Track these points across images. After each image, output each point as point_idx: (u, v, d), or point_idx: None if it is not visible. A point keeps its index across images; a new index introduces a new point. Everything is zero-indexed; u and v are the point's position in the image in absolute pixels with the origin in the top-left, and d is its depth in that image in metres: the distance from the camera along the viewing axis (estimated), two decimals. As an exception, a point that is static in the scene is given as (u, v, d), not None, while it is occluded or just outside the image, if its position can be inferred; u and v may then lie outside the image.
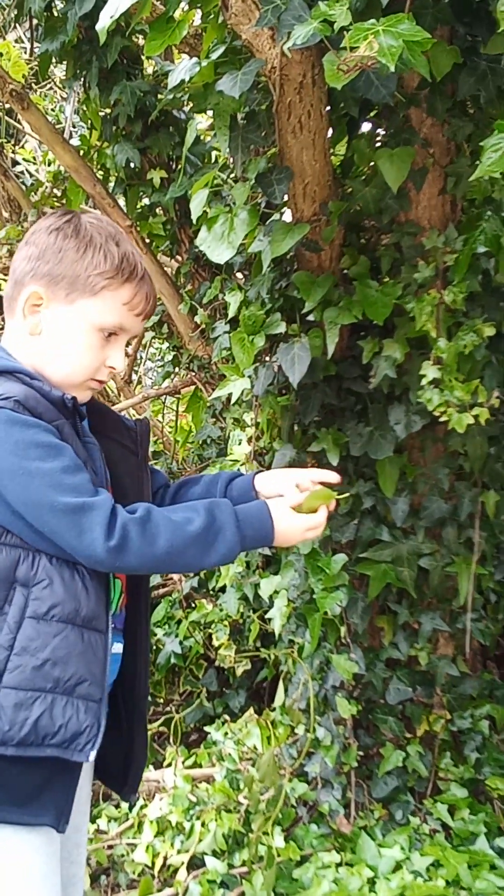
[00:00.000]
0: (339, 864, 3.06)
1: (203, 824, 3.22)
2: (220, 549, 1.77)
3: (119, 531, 1.67)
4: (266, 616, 3.49)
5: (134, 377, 6.43)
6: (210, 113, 3.22)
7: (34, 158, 5.72)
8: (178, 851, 3.19)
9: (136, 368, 6.58)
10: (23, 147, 6.03)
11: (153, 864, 3.15)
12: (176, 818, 3.29)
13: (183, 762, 3.67)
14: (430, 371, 2.77)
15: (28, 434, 1.67)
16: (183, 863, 3.13)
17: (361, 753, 3.32)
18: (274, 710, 3.55)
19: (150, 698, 3.58)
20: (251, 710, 3.77)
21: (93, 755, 1.69)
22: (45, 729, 1.66)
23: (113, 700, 1.94)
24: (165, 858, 3.19)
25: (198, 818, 3.28)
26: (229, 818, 3.22)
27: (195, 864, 3.16)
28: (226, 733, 3.68)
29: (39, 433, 1.68)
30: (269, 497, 1.96)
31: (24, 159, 5.93)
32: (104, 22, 2.40)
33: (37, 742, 1.66)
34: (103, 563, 1.69)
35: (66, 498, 1.65)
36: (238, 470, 3.47)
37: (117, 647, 1.93)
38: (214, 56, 2.66)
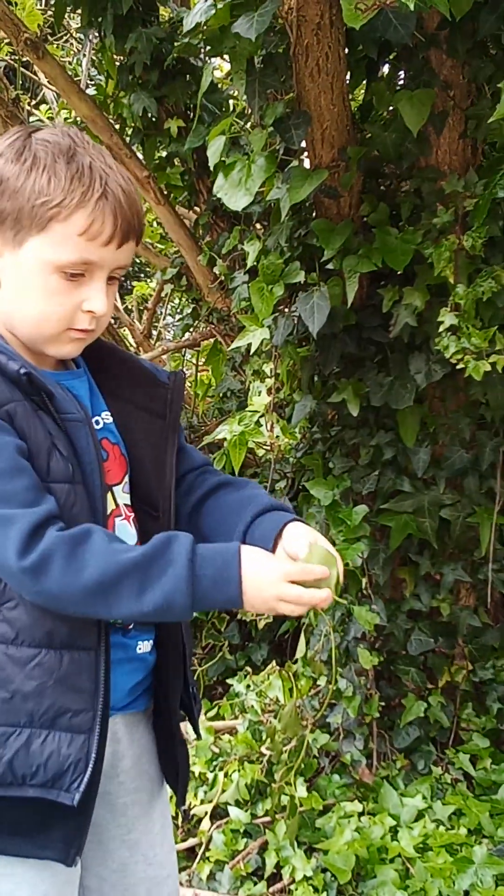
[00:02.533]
0: (361, 814, 3.08)
1: (226, 775, 3.23)
2: (164, 586, 1.40)
3: (39, 551, 1.39)
4: (287, 568, 3.48)
5: (154, 332, 6.41)
6: (227, 59, 3.17)
7: (51, 118, 5.66)
8: (202, 802, 3.21)
9: (155, 323, 6.56)
10: (38, 107, 5.99)
11: (176, 814, 3.18)
12: (199, 769, 3.31)
13: (206, 714, 3.69)
14: (447, 318, 2.73)
15: None
16: (206, 813, 3.15)
17: (383, 704, 3.32)
18: (296, 662, 3.56)
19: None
20: (273, 663, 3.78)
21: (78, 796, 1.48)
22: (22, 769, 1.47)
23: (163, 699, 1.77)
24: (189, 808, 3.21)
25: (221, 769, 3.29)
26: (252, 769, 3.24)
27: (218, 814, 3.18)
28: (248, 685, 3.69)
29: None
30: (288, 552, 1.55)
31: (47, 117, 5.89)
32: (117, -35, 2.37)
33: (16, 783, 1.48)
34: (21, 586, 1.42)
35: None
36: (280, 499, 3.30)
37: (144, 646, 1.68)
38: (230, -2, 2.61)
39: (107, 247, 1.52)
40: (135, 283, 6.48)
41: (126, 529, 1.66)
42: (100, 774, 1.55)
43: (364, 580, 3.23)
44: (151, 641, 1.70)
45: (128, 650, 1.64)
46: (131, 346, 5.49)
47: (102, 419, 1.68)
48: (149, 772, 1.83)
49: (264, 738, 3.33)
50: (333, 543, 3.08)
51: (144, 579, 1.41)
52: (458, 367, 2.78)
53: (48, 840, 1.54)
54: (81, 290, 1.54)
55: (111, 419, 1.69)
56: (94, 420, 1.63)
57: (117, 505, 1.65)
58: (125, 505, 1.68)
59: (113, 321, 5.24)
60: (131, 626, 1.65)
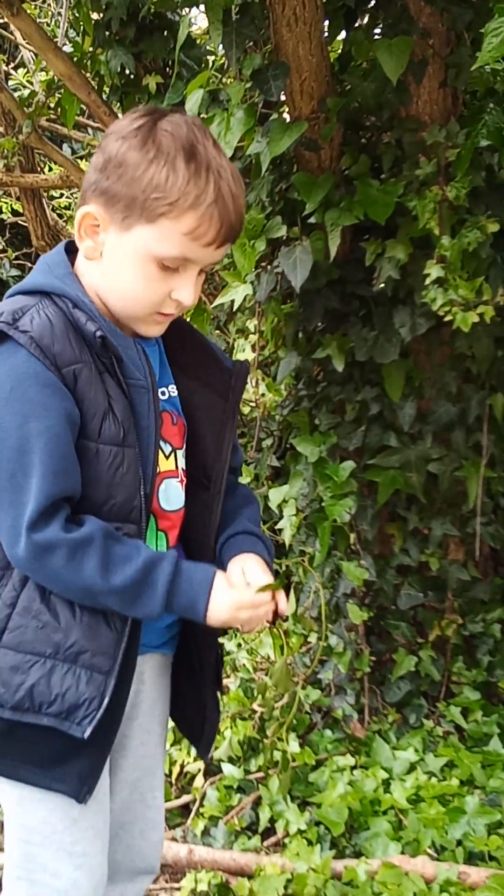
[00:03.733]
0: (353, 768, 3.09)
1: (219, 732, 3.24)
2: (145, 608, 1.57)
3: (47, 536, 1.51)
4: (276, 527, 3.48)
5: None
6: (203, 11, 3.12)
7: (30, 81, 5.58)
8: (195, 759, 3.23)
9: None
10: (16, 69, 5.91)
11: (171, 771, 3.19)
12: (192, 727, 3.33)
13: (197, 673, 3.70)
14: (433, 270, 2.71)
15: (24, 386, 1.51)
16: (200, 770, 3.17)
17: (374, 659, 3.33)
18: (286, 619, 3.56)
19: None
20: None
21: (89, 731, 1.57)
22: (40, 696, 1.57)
23: (188, 649, 1.88)
24: (182, 766, 3.22)
25: (213, 726, 3.30)
26: (244, 725, 3.25)
27: (212, 770, 3.20)
28: (239, 644, 3.70)
29: (35, 387, 1.51)
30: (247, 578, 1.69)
31: (26, 80, 5.82)
32: None
33: (33, 709, 1.57)
34: (15, 548, 1.53)
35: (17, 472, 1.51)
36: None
37: None
38: None
39: (208, 248, 1.59)
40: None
41: (177, 490, 1.77)
42: (120, 716, 1.68)
43: (352, 536, 3.23)
44: None
45: None
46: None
47: (168, 391, 1.77)
48: (160, 717, 1.95)
49: (256, 695, 3.34)
50: (321, 500, 3.09)
51: (128, 601, 1.56)
52: (445, 319, 2.76)
53: (63, 774, 1.64)
54: (173, 280, 1.60)
55: (176, 393, 1.79)
56: (159, 391, 1.72)
57: (177, 467, 1.76)
58: (182, 469, 1.78)
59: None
60: None
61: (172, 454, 1.74)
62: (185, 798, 3.12)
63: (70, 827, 1.68)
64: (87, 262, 1.64)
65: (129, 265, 1.59)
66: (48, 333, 1.52)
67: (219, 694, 1.95)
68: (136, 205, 1.54)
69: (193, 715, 1.93)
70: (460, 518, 3.29)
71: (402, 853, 2.73)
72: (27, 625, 1.58)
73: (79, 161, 5.64)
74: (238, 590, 1.64)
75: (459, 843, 2.77)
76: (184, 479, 1.78)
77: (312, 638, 3.43)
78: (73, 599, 1.58)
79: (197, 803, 3.07)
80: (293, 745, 3.12)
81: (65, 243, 1.71)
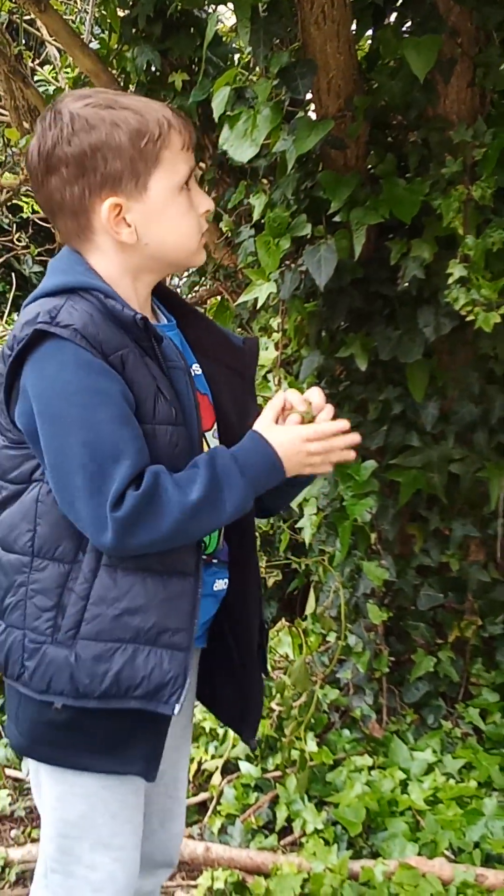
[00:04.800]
0: (371, 768, 3.09)
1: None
2: (234, 500, 1.59)
3: (128, 509, 1.51)
4: (296, 526, 3.48)
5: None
6: (231, 8, 3.12)
7: (56, 77, 5.60)
8: (212, 757, 3.23)
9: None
10: (42, 65, 5.92)
11: (188, 769, 3.19)
12: (209, 725, 3.33)
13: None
14: (456, 269, 2.69)
15: (80, 377, 1.53)
16: (217, 767, 3.17)
17: (393, 659, 3.32)
18: (305, 618, 3.57)
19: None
20: (283, 620, 3.78)
21: (178, 708, 1.61)
22: (127, 681, 1.60)
23: (223, 639, 1.89)
24: (200, 764, 3.23)
25: (231, 724, 3.31)
26: (262, 724, 3.24)
27: (229, 769, 3.20)
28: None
29: (91, 375, 1.53)
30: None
31: (50, 76, 5.84)
32: None
33: (119, 694, 1.61)
34: (100, 533, 1.53)
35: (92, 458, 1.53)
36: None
37: (220, 584, 1.83)
38: None
39: (190, 152, 1.68)
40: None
41: None
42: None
43: (373, 536, 3.22)
44: (226, 581, 1.84)
45: (206, 587, 1.73)
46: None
47: (193, 370, 1.79)
48: (188, 709, 2.01)
49: (274, 693, 3.33)
50: (342, 500, 3.08)
51: (217, 503, 1.57)
52: (467, 319, 2.75)
53: (133, 756, 1.69)
54: (193, 199, 1.69)
55: (200, 371, 1.82)
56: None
57: (209, 448, 1.76)
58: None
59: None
60: (214, 561, 1.79)
61: (203, 436, 1.76)
62: (203, 796, 3.13)
63: (109, 822, 1.71)
64: (116, 256, 1.66)
65: (168, 212, 1.65)
66: (90, 323, 1.54)
67: (263, 676, 1.98)
68: (137, 161, 1.60)
69: (235, 700, 1.95)
70: (481, 519, 3.28)
71: (420, 854, 2.73)
72: (104, 613, 1.60)
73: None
74: (290, 426, 1.67)
75: (477, 845, 2.77)
76: None
77: (331, 637, 3.43)
78: (174, 546, 1.60)
79: (214, 801, 3.07)
80: (311, 745, 3.12)
81: (67, 248, 1.72)
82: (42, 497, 1.62)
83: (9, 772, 3.43)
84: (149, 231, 1.65)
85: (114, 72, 4.05)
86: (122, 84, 3.98)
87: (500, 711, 3.27)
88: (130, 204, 1.62)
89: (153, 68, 3.82)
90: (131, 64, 3.88)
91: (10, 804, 3.26)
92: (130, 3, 3.64)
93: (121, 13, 3.89)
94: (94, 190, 1.61)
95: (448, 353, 3.16)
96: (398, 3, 2.86)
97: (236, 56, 3.99)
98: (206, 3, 3.63)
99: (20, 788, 3.36)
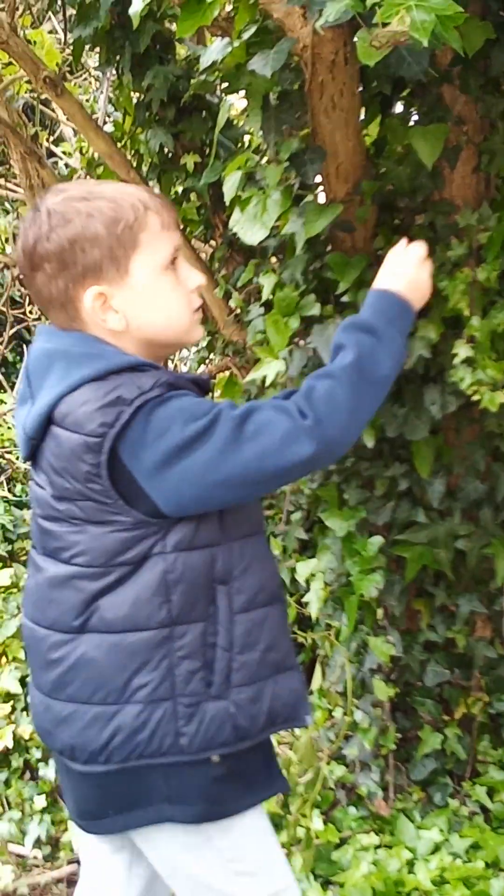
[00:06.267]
0: (377, 846, 3.07)
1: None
2: (392, 353, 1.76)
3: (310, 409, 1.63)
4: (303, 600, 3.49)
5: (170, 364, 6.44)
6: (243, 95, 3.21)
7: (70, 153, 5.72)
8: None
9: (171, 356, 6.59)
10: (56, 143, 6.05)
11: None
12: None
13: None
14: (462, 350, 2.75)
15: (191, 405, 1.63)
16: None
17: (399, 736, 3.31)
18: (311, 693, 3.55)
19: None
20: (289, 694, 3.76)
21: (310, 719, 1.79)
22: (275, 711, 1.72)
23: None
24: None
25: (236, 801, 3.28)
26: (267, 801, 3.22)
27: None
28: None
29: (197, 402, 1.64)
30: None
31: (63, 152, 5.97)
32: (136, 7, 2.42)
33: (269, 725, 1.72)
34: (311, 449, 1.62)
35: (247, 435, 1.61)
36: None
37: None
38: (246, 36, 2.64)
39: (173, 231, 1.74)
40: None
41: None
42: None
43: (379, 611, 3.23)
44: None
45: None
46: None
47: None
48: None
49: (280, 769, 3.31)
50: (349, 575, 3.10)
51: (372, 361, 1.73)
52: (472, 398, 2.80)
53: (277, 774, 1.82)
54: (180, 276, 1.75)
55: None
56: None
57: None
58: None
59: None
60: None
61: None
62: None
63: (273, 844, 1.89)
64: (114, 339, 1.71)
65: (154, 293, 1.70)
66: (173, 379, 1.64)
67: None
68: (115, 248, 1.65)
69: None
70: (488, 595, 3.29)
71: (427, 936, 2.70)
72: (250, 658, 1.70)
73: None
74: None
75: (485, 927, 2.74)
76: None
77: (337, 713, 3.41)
78: (368, 420, 1.74)
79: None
80: (317, 822, 3.10)
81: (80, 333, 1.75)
82: (170, 567, 1.65)
83: (11, 847, 3.40)
84: (137, 315, 1.70)
85: (127, 153, 4.14)
86: (134, 165, 4.07)
87: (507, 790, 3.26)
88: (114, 290, 1.67)
89: (166, 150, 3.91)
90: (144, 146, 3.98)
91: (13, 880, 3.24)
92: (145, 88, 3.73)
93: (135, 96, 3.99)
94: (77, 281, 1.66)
95: (454, 430, 3.19)
96: (405, 93, 2.95)
97: (247, 138, 4.09)
98: (219, 90, 3.73)
99: (23, 864, 3.34)
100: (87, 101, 5.83)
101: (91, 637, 1.68)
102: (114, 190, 1.69)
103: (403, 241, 2.01)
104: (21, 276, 1.77)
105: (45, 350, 1.71)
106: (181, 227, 1.71)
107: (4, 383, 6.55)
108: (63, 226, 1.64)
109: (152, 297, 1.70)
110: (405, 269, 1.92)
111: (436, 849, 3.04)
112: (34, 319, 6.41)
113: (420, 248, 1.96)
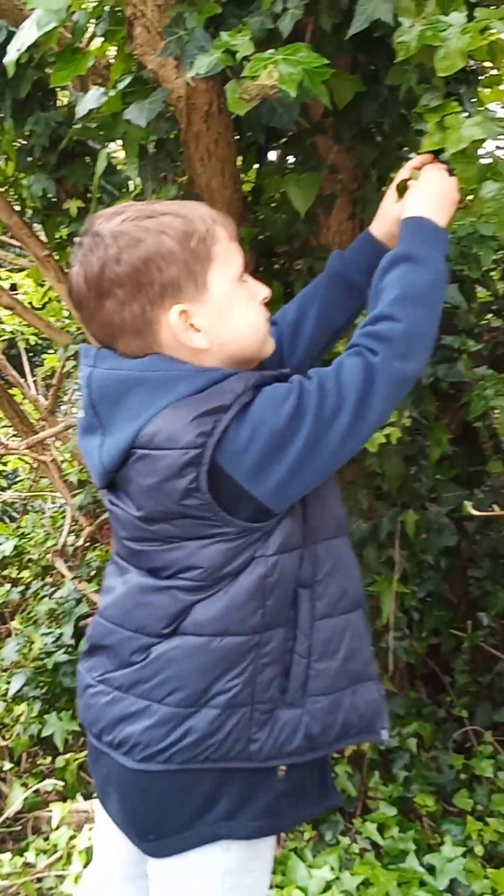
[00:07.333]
0: (269, 887, 3.05)
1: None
2: (436, 266, 1.72)
3: (371, 348, 1.60)
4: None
5: (61, 406, 6.41)
6: (120, 144, 3.24)
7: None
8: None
9: (63, 397, 6.56)
10: None
11: None
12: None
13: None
14: (343, 392, 2.80)
15: (272, 391, 1.57)
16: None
17: (290, 775, 3.31)
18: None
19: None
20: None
21: (386, 733, 1.71)
22: (350, 722, 1.66)
23: None
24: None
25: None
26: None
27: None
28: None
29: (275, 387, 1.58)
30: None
31: None
32: (11, 55, 2.43)
33: (342, 737, 1.66)
34: (397, 382, 1.62)
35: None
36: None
37: None
38: (121, 86, 2.67)
39: (237, 242, 1.69)
40: (44, 356, 6.48)
41: None
42: None
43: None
44: None
45: None
46: (35, 421, 5.46)
47: None
48: None
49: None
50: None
51: (416, 268, 1.70)
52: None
53: (329, 788, 1.76)
54: (250, 290, 1.70)
55: None
56: None
57: None
58: None
59: (22, 396, 5.25)
60: None
61: None
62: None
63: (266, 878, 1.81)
64: (195, 360, 1.62)
65: (232, 304, 1.64)
66: (259, 378, 1.58)
67: None
68: (192, 263, 1.58)
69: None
70: (374, 633, 3.33)
71: None
72: (329, 667, 1.64)
73: None
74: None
75: None
76: None
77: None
78: (434, 330, 1.69)
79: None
80: (209, 866, 3.08)
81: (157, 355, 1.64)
82: (269, 571, 1.59)
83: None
84: (221, 330, 1.63)
85: (10, 198, 4.13)
86: (18, 209, 4.06)
87: (397, 825, 3.28)
88: (195, 308, 1.59)
89: (49, 195, 3.92)
90: (27, 191, 3.97)
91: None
92: (27, 133, 3.73)
93: (17, 142, 3.98)
94: (156, 302, 1.57)
95: (337, 470, 3.23)
96: (281, 142, 3.01)
97: (131, 183, 4.12)
98: (97, 140, 3.75)
99: None
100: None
101: (175, 638, 1.63)
102: (176, 205, 1.63)
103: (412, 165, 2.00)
104: (80, 310, 1.63)
105: (115, 377, 1.59)
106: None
107: None
108: (134, 246, 1.56)
109: (234, 309, 1.64)
110: (426, 188, 1.88)
111: (327, 887, 3.04)
112: None
113: (435, 166, 1.92)
